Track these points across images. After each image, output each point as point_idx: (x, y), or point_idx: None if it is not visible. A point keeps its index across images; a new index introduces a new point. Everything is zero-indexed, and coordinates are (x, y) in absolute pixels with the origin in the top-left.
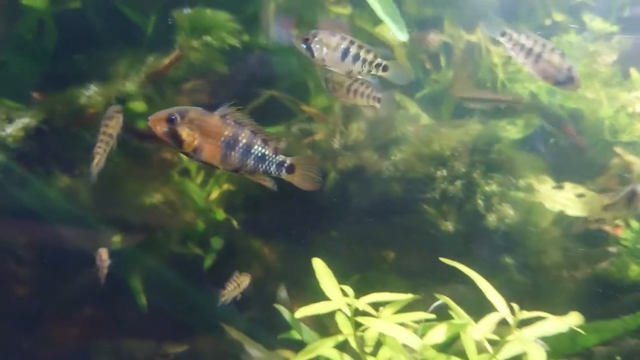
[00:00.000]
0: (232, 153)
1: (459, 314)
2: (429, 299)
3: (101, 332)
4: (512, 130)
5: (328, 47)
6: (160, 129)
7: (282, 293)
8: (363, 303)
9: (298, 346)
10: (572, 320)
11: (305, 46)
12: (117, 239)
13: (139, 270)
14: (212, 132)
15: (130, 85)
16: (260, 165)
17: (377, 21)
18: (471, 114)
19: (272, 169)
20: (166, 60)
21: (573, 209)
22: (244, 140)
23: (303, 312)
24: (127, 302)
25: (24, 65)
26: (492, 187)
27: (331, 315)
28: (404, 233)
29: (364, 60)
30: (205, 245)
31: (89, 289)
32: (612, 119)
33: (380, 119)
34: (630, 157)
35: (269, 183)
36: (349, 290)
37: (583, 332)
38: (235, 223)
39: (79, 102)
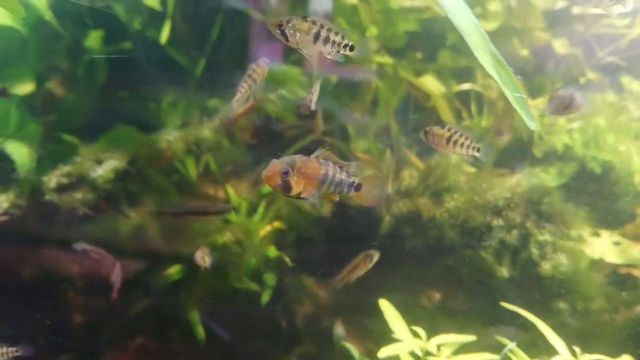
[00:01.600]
0: (323, 186)
1: (521, 357)
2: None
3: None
4: (545, 178)
5: (301, 32)
6: (275, 182)
7: (339, 329)
8: (433, 345)
9: None
10: None
11: (279, 31)
12: (174, 269)
13: (196, 303)
14: (313, 175)
15: (206, 131)
16: (337, 188)
17: (419, 72)
18: (509, 162)
19: (345, 189)
20: (240, 110)
21: (611, 255)
22: (331, 173)
23: (385, 352)
24: (183, 334)
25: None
26: (546, 237)
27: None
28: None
29: (333, 42)
30: (259, 281)
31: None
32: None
33: (431, 167)
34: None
35: (335, 198)
36: (420, 331)
37: None
38: (287, 260)
39: (160, 146)
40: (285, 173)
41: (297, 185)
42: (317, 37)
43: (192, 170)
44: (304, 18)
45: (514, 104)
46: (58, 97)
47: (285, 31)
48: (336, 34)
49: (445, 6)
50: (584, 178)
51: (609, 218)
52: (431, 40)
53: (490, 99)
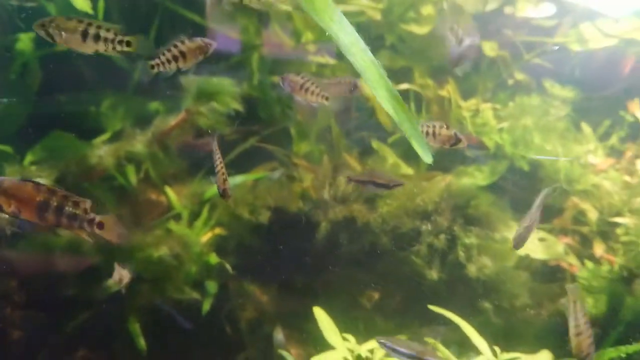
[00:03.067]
0: (47, 215)
1: (446, 356)
2: (416, 338)
3: None
4: (477, 176)
5: (66, 31)
6: None
7: (279, 335)
8: (364, 350)
9: None
10: (544, 358)
11: (43, 32)
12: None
13: (137, 313)
14: (27, 199)
15: (139, 145)
16: (72, 222)
17: (356, 73)
18: (443, 163)
19: (85, 225)
20: (172, 122)
21: (536, 252)
22: (54, 204)
23: None
24: (124, 345)
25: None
26: (472, 239)
27: None
28: (391, 280)
29: (106, 39)
30: (200, 289)
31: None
32: (567, 169)
33: (366, 172)
34: (585, 205)
35: (87, 238)
36: (350, 337)
37: None
38: (228, 267)
39: (91, 162)
40: None
41: (6, 206)
42: (85, 34)
43: (132, 177)
44: (69, 17)
45: (411, 140)
46: None
47: (50, 31)
48: (107, 30)
49: (343, 47)
50: (515, 175)
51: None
52: (370, 42)
53: (427, 98)
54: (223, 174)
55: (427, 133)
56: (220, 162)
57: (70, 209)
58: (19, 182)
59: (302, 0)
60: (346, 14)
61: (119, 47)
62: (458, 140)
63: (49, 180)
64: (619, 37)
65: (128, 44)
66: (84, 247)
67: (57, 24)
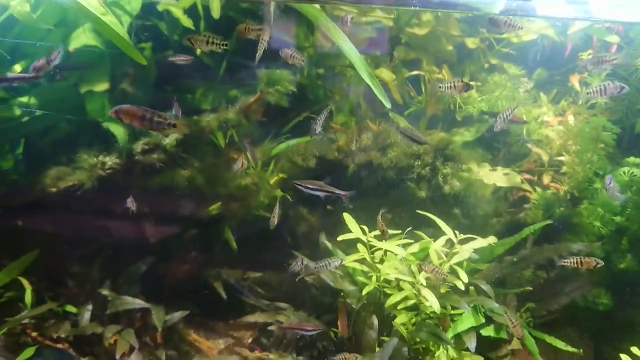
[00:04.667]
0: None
1: (426, 239)
2: (413, 236)
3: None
4: (466, 135)
5: (198, 41)
6: None
7: (322, 237)
8: (370, 235)
9: None
10: (490, 240)
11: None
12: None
13: (230, 226)
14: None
15: (231, 114)
16: (160, 125)
17: (376, 66)
18: (441, 124)
19: (165, 126)
20: (251, 99)
21: (500, 181)
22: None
23: (340, 238)
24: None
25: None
26: (447, 170)
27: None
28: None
29: (213, 43)
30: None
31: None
32: (527, 126)
33: (380, 131)
34: (538, 150)
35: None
36: (365, 228)
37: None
38: (289, 197)
39: (201, 125)
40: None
41: (125, 119)
42: (207, 42)
43: (221, 140)
44: (198, 33)
45: (375, 92)
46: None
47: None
48: (215, 39)
49: (344, 49)
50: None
51: (507, 157)
52: (390, 40)
53: (431, 79)
54: None
55: (449, 87)
56: None
57: (157, 118)
58: (130, 106)
59: (322, 27)
60: (365, 23)
61: (219, 48)
62: (469, 87)
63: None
64: (537, 32)
65: (224, 45)
66: (197, 180)
67: (195, 38)
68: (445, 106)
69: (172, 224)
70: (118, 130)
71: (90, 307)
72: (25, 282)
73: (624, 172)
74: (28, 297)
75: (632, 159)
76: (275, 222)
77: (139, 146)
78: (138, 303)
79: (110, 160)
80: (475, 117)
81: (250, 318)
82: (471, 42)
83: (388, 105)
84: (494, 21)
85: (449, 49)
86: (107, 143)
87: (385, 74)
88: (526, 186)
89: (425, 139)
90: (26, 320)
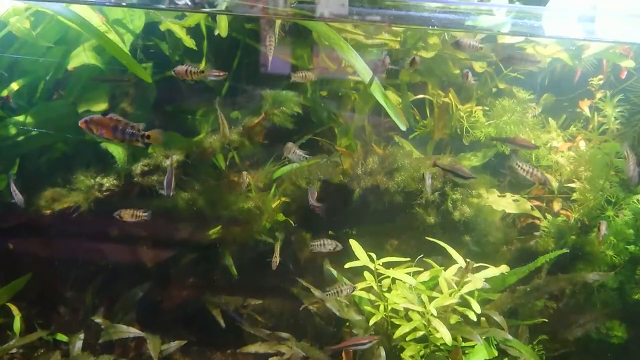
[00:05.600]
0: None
1: (436, 267)
2: (421, 264)
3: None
4: (473, 160)
5: (181, 72)
6: None
7: (327, 264)
8: (379, 262)
9: None
10: (502, 268)
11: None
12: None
13: (230, 251)
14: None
15: (234, 136)
16: (132, 137)
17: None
18: (449, 148)
19: (138, 137)
20: (255, 120)
21: (510, 208)
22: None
23: (348, 265)
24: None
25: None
26: (457, 195)
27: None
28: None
29: (194, 72)
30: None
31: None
32: (536, 151)
33: (387, 155)
34: (547, 176)
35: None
36: (372, 255)
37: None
38: (291, 222)
39: (204, 145)
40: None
41: (95, 130)
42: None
43: (222, 162)
44: (189, 64)
45: (390, 114)
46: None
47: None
48: (197, 68)
49: (357, 69)
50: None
51: (514, 184)
52: (395, 64)
53: (437, 104)
54: None
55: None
56: None
57: (129, 129)
58: (101, 117)
59: (336, 47)
60: (373, 45)
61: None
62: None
63: (181, 156)
64: (550, 56)
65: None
66: (198, 204)
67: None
68: (452, 130)
69: (171, 248)
70: (117, 151)
71: (82, 335)
72: (14, 309)
73: (638, 200)
74: (17, 324)
75: None
76: (277, 263)
77: (138, 167)
78: (133, 332)
79: (108, 182)
80: (482, 142)
81: (251, 348)
82: (478, 66)
83: (403, 127)
84: (458, 44)
85: (455, 72)
86: (105, 164)
87: (391, 97)
88: (536, 213)
89: (471, 174)
90: (14, 350)
